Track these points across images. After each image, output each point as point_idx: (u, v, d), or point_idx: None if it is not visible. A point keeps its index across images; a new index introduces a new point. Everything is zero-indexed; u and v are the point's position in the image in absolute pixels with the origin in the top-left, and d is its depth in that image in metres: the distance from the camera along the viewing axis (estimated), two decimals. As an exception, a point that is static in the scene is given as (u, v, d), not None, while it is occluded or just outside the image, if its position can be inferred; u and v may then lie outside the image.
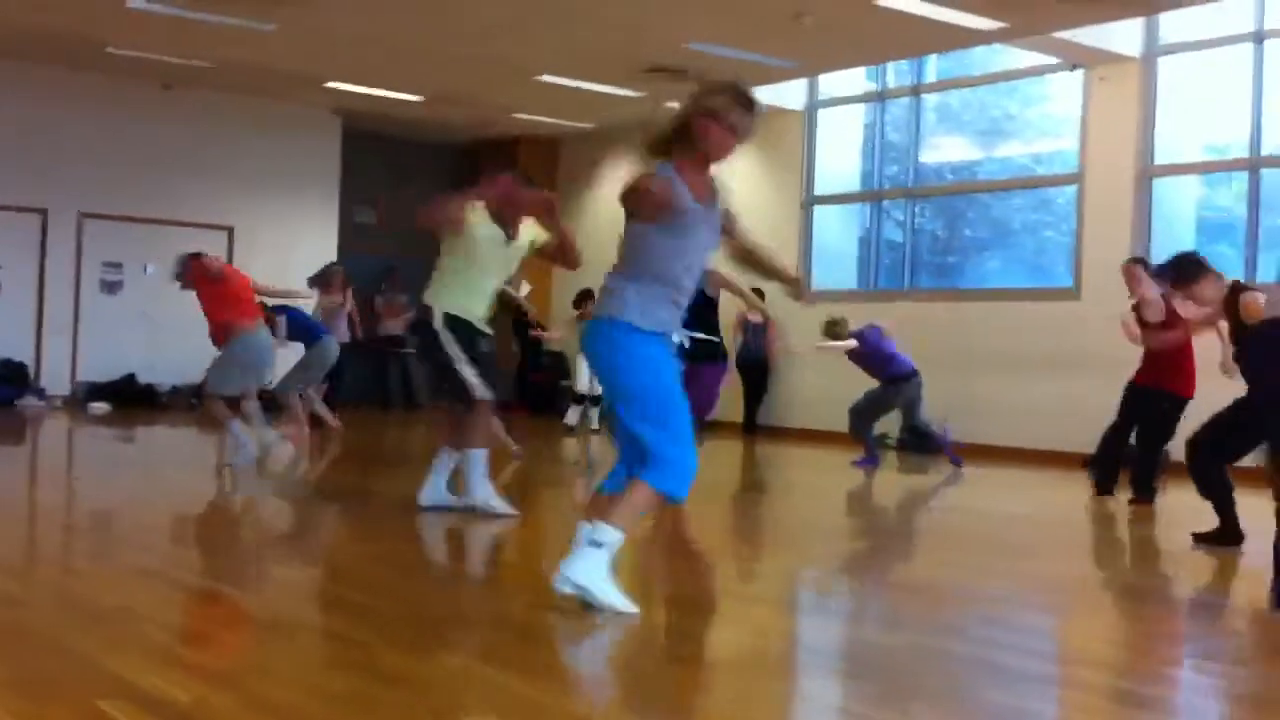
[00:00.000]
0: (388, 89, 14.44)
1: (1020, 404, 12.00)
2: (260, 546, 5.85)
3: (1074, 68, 12.01)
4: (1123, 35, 11.49)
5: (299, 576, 5.03)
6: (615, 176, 16.42)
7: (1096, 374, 11.07)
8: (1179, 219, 11.91)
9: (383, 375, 16.67)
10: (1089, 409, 11.21)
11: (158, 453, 10.72)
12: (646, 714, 3.20)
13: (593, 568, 3.93)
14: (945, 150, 14.20)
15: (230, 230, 15.35)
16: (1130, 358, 8.31)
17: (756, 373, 14.04)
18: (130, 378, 14.53)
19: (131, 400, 14.11)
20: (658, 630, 4.03)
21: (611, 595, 3.94)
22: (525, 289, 12.28)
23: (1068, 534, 7.14)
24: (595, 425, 13.27)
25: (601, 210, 16.73)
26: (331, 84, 14.37)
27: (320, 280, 12.53)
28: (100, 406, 13.88)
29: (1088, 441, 11.24)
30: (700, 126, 3.95)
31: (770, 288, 5.37)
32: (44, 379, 14.44)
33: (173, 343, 13.93)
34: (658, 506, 4.09)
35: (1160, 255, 11.57)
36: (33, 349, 14.50)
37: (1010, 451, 11.80)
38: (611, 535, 3.94)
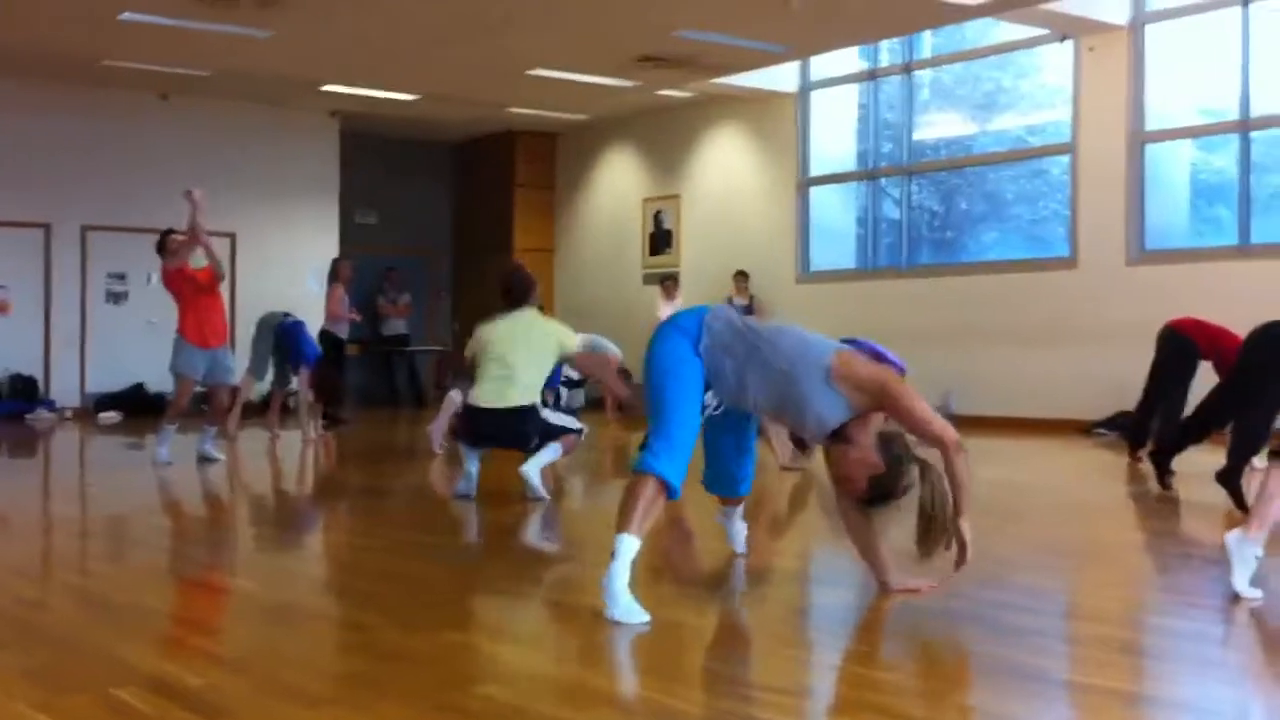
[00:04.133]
0: (383, 89, 14.52)
1: (1023, 374, 12.05)
2: (269, 542, 5.94)
3: (1063, 38, 12.04)
4: (1109, 4, 11.55)
5: (306, 568, 5.13)
6: (613, 167, 16.52)
7: (1097, 342, 11.14)
8: (1174, 184, 11.94)
9: (389, 374, 16.78)
10: (1092, 377, 11.28)
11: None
12: (638, 675, 3.29)
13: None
14: (940, 126, 14.23)
15: (233, 236, 15.44)
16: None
17: None
18: (139, 386, 14.63)
19: (141, 409, 14.20)
20: (654, 604, 4.11)
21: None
22: None
23: (1070, 499, 7.20)
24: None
25: (600, 201, 16.81)
26: (328, 87, 14.45)
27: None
28: (110, 416, 14.01)
29: (1093, 409, 11.34)
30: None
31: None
32: (54, 391, 14.57)
33: (180, 350, 14.03)
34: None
35: (1155, 221, 11.67)
36: (42, 362, 14.63)
37: (1014, 422, 11.85)
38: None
